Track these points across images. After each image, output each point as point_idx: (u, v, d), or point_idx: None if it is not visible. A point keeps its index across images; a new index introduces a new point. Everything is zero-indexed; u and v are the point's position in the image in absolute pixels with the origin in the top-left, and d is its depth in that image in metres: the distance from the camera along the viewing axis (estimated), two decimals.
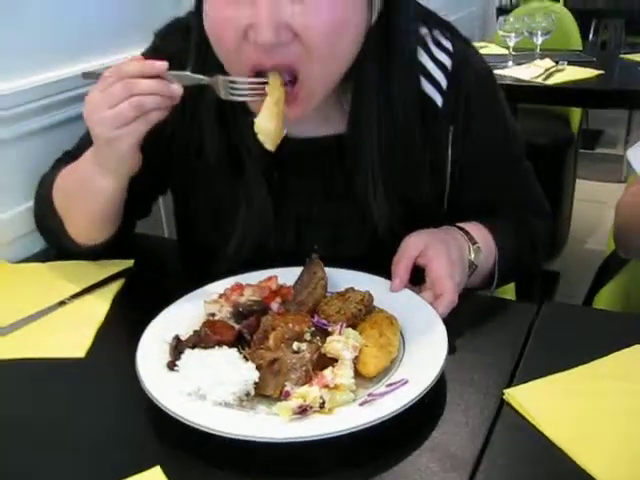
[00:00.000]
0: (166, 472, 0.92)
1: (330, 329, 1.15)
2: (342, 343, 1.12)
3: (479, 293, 1.44)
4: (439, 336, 1.16)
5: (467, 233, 1.35)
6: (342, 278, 1.30)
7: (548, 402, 1.03)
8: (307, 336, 1.13)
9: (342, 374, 1.07)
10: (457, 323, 1.19)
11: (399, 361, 1.15)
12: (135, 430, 1.04)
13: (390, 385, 1.09)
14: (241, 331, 1.15)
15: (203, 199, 1.41)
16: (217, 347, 1.12)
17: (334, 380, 1.06)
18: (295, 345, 1.11)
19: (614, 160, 5.69)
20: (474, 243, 1.33)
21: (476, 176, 1.41)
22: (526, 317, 1.27)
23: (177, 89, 1.13)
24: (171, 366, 1.13)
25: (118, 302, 1.37)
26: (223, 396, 1.06)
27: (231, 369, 1.07)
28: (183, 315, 1.27)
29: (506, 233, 1.39)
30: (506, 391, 1.06)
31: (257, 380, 1.07)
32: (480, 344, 1.22)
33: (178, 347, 1.15)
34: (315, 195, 1.36)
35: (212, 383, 1.07)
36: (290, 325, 1.13)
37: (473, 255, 1.32)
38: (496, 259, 1.37)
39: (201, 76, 1.17)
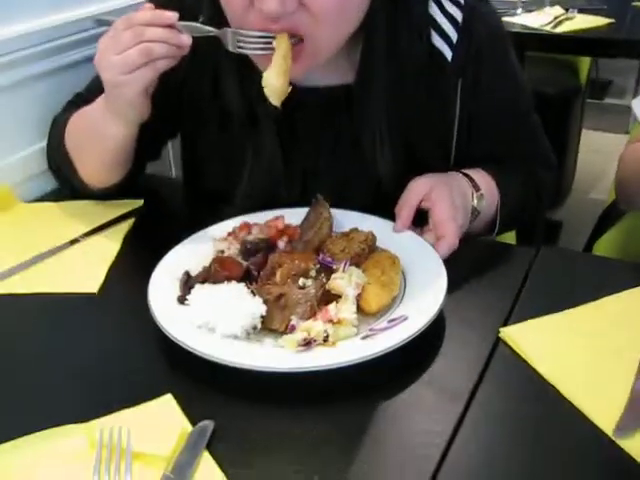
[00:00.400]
0: (177, 399, 0.95)
1: (334, 267, 1.19)
2: (346, 280, 1.16)
3: (480, 238, 1.48)
4: (439, 276, 1.20)
5: (471, 180, 1.36)
6: (347, 219, 1.33)
7: (542, 341, 1.05)
8: (312, 273, 1.17)
9: (345, 309, 1.11)
10: (457, 265, 1.20)
11: (400, 299, 1.19)
12: (147, 361, 1.07)
13: (391, 321, 1.13)
14: (249, 267, 1.19)
15: (212, 146, 1.42)
16: (226, 282, 1.16)
17: (337, 315, 1.11)
18: (301, 281, 1.15)
19: (622, 111, 5.63)
20: (477, 189, 1.35)
21: (484, 129, 1.41)
22: (525, 260, 1.29)
23: (186, 39, 1.13)
24: (182, 300, 1.17)
25: (129, 240, 1.39)
26: (231, 329, 1.10)
27: (239, 303, 1.12)
28: (193, 252, 1.31)
29: (511, 182, 1.41)
30: (502, 329, 1.09)
31: (264, 314, 1.12)
32: (478, 285, 1.24)
33: (188, 282, 1.19)
34: (322, 148, 1.37)
35: (221, 316, 1.11)
36: (296, 262, 1.17)
37: (476, 201, 1.34)
38: (498, 207, 1.39)
39: (210, 28, 1.18)
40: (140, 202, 1.52)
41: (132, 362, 1.07)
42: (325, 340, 1.08)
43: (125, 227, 1.44)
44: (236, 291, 1.13)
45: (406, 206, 1.30)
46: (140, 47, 1.10)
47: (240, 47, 1.17)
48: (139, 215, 1.48)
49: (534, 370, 1.01)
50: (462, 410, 0.95)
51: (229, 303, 1.12)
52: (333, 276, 1.17)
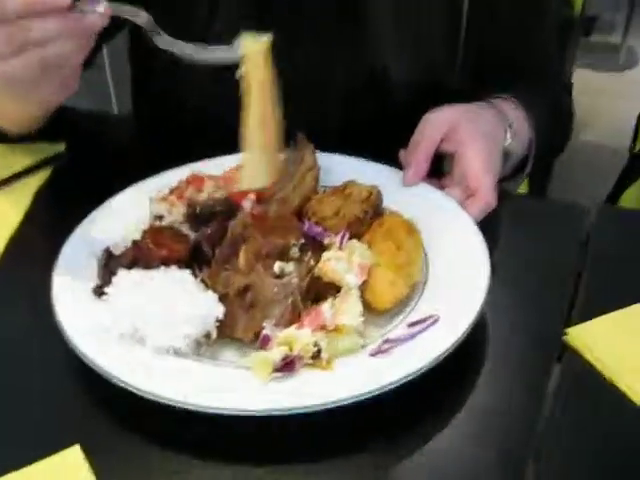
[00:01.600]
0: (87, 452, 0.68)
1: (327, 241, 0.81)
2: (344, 262, 0.78)
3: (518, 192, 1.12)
4: (476, 251, 0.85)
5: (501, 112, 1.09)
6: (340, 168, 1.02)
7: (621, 345, 0.82)
8: (294, 252, 0.79)
9: (346, 309, 0.74)
10: (493, 234, 0.93)
11: (422, 287, 0.82)
12: (49, 389, 0.78)
13: (413, 325, 0.76)
14: (198, 243, 0.80)
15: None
16: (163, 267, 0.77)
17: (334, 319, 0.73)
18: (277, 266, 0.77)
19: (610, 49, 5.30)
20: (510, 126, 1.07)
21: (496, 15, 1.16)
22: (579, 226, 1.02)
23: (96, 18, 0.76)
24: (99, 292, 0.79)
25: (40, 199, 1.08)
26: (170, 340, 0.73)
27: (183, 301, 0.74)
28: (119, 218, 0.92)
29: (541, 110, 1.17)
30: (568, 331, 0.82)
31: (221, 317, 0.74)
32: (525, 263, 0.95)
33: (109, 265, 0.81)
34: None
35: (154, 321, 0.73)
36: (269, 236, 0.78)
37: (509, 141, 1.06)
38: (532, 144, 1.13)
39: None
40: (60, 147, 1.20)
41: (28, 391, 0.78)
42: (316, 357, 0.71)
43: (37, 181, 1.13)
44: (178, 281, 0.76)
45: (421, 147, 1.00)
46: (27, 61, 0.75)
47: None
48: (58, 165, 1.17)
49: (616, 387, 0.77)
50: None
51: (168, 300, 0.73)
52: (325, 255, 0.79)
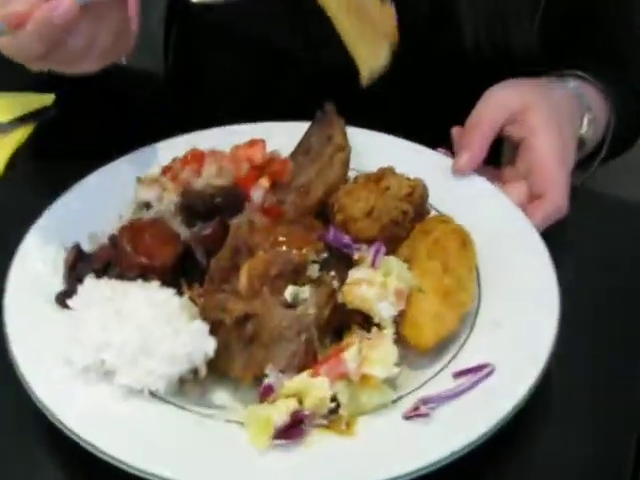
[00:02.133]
0: None
1: (356, 255, 0.62)
2: (377, 287, 0.59)
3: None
4: (542, 280, 0.67)
5: (579, 95, 0.89)
6: (376, 148, 0.83)
7: None
8: (313, 270, 0.60)
9: (376, 358, 0.56)
10: (564, 247, 0.75)
11: (474, 319, 0.64)
12: None
13: (460, 374, 0.58)
14: (189, 248, 0.62)
15: None
16: (141, 280, 0.60)
17: (360, 368, 0.55)
18: (289, 292, 0.58)
19: None
20: (589, 109, 0.88)
21: None
22: None
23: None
24: (62, 301, 0.61)
25: (14, 168, 0.91)
26: (144, 380, 0.55)
27: (162, 332, 0.56)
28: (98, 203, 0.73)
29: (623, 97, 0.96)
30: None
31: (211, 354, 0.56)
32: (605, 292, 0.75)
33: (77, 268, 0.63)
34: None
35: (126, 353, 0.55)
36: (282, 246, 0.59)
37: (585, 129, 0.88)
38: (610, 128, 0.94)
39: None
40: (48, 99, 1.01)
41: None
42: (332, 414, 0.53)
43: (12, 141, 0.96)
44: (158, 305, 0.57)
45: (480, 129, 0.81)
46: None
47: None
48: (42, 122, 0.99)
49: None
50: None
51: (142, 329, 0.56)
52: (353, 275, 0.61)
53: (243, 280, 0.57)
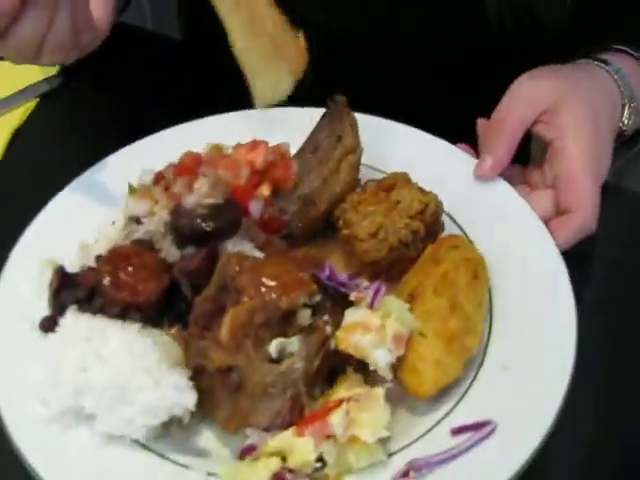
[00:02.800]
0: None
1: (353, 296, 0.57)
2: (374, 333, 0.55)
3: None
4: (561, 316, 0.61)
5: (621, 78, 0.78)
6: (392, 142, 0.77)
7: None
8: (303, 316, 0.55)
9: (366, 421, 0.52)
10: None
11: (479, 366, 0.59)
12: None
13: (458, 432, 0.54)
14: (175, 279, 0.58)
15: None
16: (123, 314, 0.56)
17: (348, 430, 0.51)
18: (274, 346, 0.54)
19: None
20: (631, 98, 0.78)
21: None
22: None
23: None
24: (46, 327, 0.59)
25: (14, 145, 0.87)
26: (124, 429, 0.52)
27: (141, 384, 0.53)
28: (91, 205, 0.70)
29: None
30: None
31: (191, 407, 0.53)
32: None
33: (61, 296, 0.59)
34: None
35: (106, 399, 0.53)
36: (270, 289, 0.55)
37: (627, 119, 0.78)
38: None
39: None
40: (53, 68, 0.96)
41: None
42: (318, 471, 0.51)
43: (15, 119, 0.91)
44: (137, 356, 0.54)
45: (506, 129, 0.73)
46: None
47: None
48: (46, 93, 0.94)
49: None
50: None
51: (123, 375, 0.53)
52: (348, 318, 0.56)
53: (225, 331, 0.53)
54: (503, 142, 0.73)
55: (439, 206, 0.67)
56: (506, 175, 0.74)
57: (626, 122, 0.78)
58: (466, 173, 0.74)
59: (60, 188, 0.73)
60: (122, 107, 0.93)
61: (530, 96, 0.74)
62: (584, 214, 0.68)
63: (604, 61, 0.79)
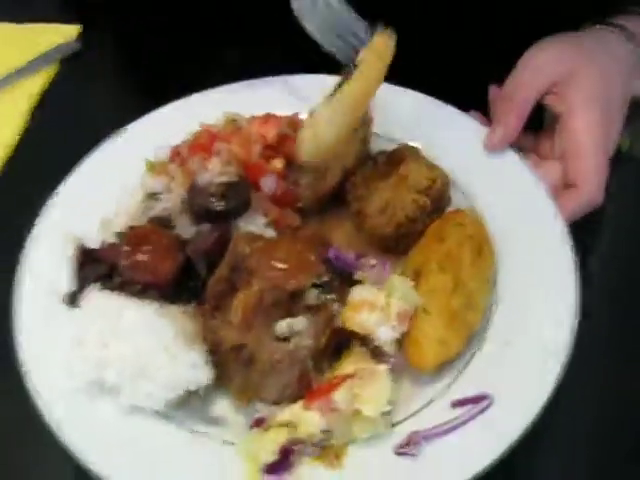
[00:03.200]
0: None
1: (358, 275, 0.60)
2: (379, 311, 0.58)
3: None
4: (564, 292, 0.63)
5: (635, 40, 0.77)
6: (400, 111, 0.77)
7: None
8: (311, 296, 0.58)
9: (369, 396, 0.55)
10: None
11: (483, 337, 0.61)
12: None
13: (459, 404, 0.57)
14: (190, 261, 0.61)
15: None
16: (139, 299, 0.59)
17: (352, 404, 0.55)
18: (281, 326, 0.57)
19: None
20: None
21: None
22: None
23: None
24: (70, 301, 0.63)
25: (37, 112, 0.90)
26: (145, 401, 0.57)
27: (160, 361, 0.57)
28: (110, 179, 0.73)
29: None
30: None
31: (207, 382, 0.57)
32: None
33: (83, 269, 0.63)
34: None
35: (127, 374, 0.57)
36: (279, 271, 0.57)
37: None
38: None
39: None
40: (73, 31, 0.98)
41: None
42: (322, 446, 0.54)
43: (38, 83, 0.93)
44: (155, 332, 0.57)
45: (516, 101, 0.74)
46: None
47: None
48: (67, 58, 0.96)
49: None
50: None
51: (142, 351, 0.57)
52: (353, 296, 0.59)
53: (236, 313, 0.56)
54: (513, 114, 0.73)
55: (446, 182, 0.68)
56: (517, 143, 0.74)
57: None
58: (476, 142, 0.74)
59: (82, 155, 0.76)
60: (142, 72, 0.95)
61: (541, 67, 0.74)
62: (590, 188, 0.69)
63: (619, 26, 0.77)
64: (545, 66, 0.73)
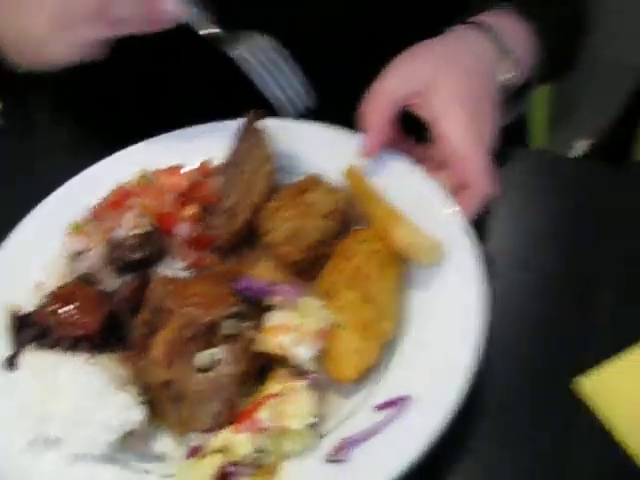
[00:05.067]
0: None
1: (270, 301, 0.64)
2: (294, 332, 0.62)
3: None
4: (469, 292, 0.67)
5: (492, 33, 0.81)
6: (302, 145, 0.82)
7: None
8: (227, 326, 0.62)
9: (292, 411, 0.59)
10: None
11: (398, 343, 0.66)
12: None
13: (381, 407, 0.61)
14: (112, 312, 0.65)
15: None
16: (71, 352, 0.63)
17: (278, 421, 0.58)
18: (201, 357, 0.60)
19: None
20: (506, 52, 0.80)
21: None
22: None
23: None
24: (11, 365, 0.66)
25: None
26: (88, 447, 0.60)
27: (96, 402, 0.60)
28: (33, 251, 0.76)
29: (553, 24, 0.88)
30: (578, 380, 0.68)
31: (140, 418, 0.61)
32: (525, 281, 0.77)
33: (19, 334, 0.66)
34: None
35: (68, 423, 0.60)
36: (193, 307, 0.61)
37: (508, 75, 0.81)
38: (536, 64, 0.85)
39: None
40: None
41: None
42: (258, 461, 0.58)
43: None
44: (87, 381, 0.61)
45: (378, 106, 0.76)
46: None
47: None
48: None
49: None
50: None
51: (78, 401, 0.60)
52: (268, 321, 0.63)
53: (157, 351, 0.60)
54: (375, 121, 0.75)
55: (349, 202, 0.73)
56: (411, 155, 0.78)
57: (507, 75, 0.80)
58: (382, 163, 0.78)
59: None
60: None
61: (399, 76, 0.76)
62: (481, 186, 0.72)
63: (478, 23, 0.81)
64: (406, 74, 0.77)
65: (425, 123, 0.76)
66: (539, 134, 1.57)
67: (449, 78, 0.76)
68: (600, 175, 0.89)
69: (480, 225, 0.73)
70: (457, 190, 0.74)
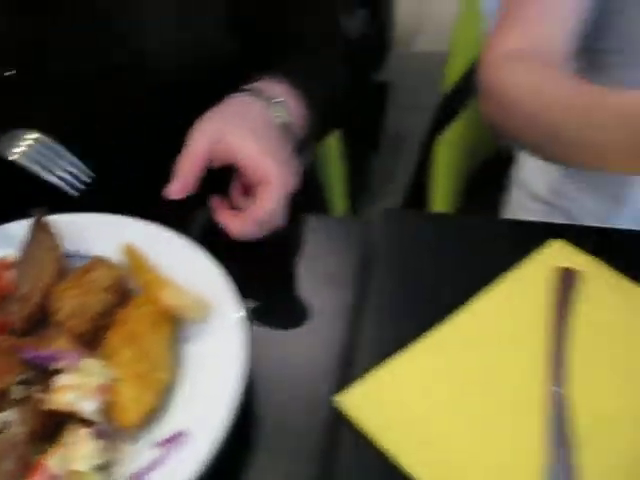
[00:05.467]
0: None
1: (55, 366, 0.74)
2: (78, 390, 0.71)
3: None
4: (231, 340, 0.79)
5: (258, 92, 0.99)
6: (90, 231, 0.94)
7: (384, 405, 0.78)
8: (17, 392, 0.70)
9: (78, 455, 0.68)
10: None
11: (175, 389, 0.76)
12: None
13: (161, 445, 0.71)
14: None
15: None
16: None
17: (68, 464, 0.67)
18: None
19: None
20: (270, 98, 0.97)
21: None
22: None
23: None
24: None
25: None
26: None
27: None
28: None
29: (315, 87, 1.07)
30: (337, 399, 0.79)
31: None
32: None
33: None
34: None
35: None
36: None
37: (277, 112, 0.97)
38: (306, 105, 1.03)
39: None
40: None
41: None
42: None
43: None
44: None
45: (186, 159, 0.90)
46: None
47: None
48: None
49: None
50: None
51: None
52: (55, 383, 0.72)
53: None
54: (185, 167, 0.88)
55: (127, 276, 0.85)
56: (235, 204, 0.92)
57: (278, 113, 0.94)
58: (152, 241, 0.90)
59: None
60: None
61: (198, 132, 0.90)
62: (275, 178, 0.85)
63: (248, 89, 0.97)
64: (202, 128, 0.90)
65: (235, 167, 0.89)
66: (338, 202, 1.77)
67: (240, 123, 0.90)
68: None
69: (244, 284, 0.86)
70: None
